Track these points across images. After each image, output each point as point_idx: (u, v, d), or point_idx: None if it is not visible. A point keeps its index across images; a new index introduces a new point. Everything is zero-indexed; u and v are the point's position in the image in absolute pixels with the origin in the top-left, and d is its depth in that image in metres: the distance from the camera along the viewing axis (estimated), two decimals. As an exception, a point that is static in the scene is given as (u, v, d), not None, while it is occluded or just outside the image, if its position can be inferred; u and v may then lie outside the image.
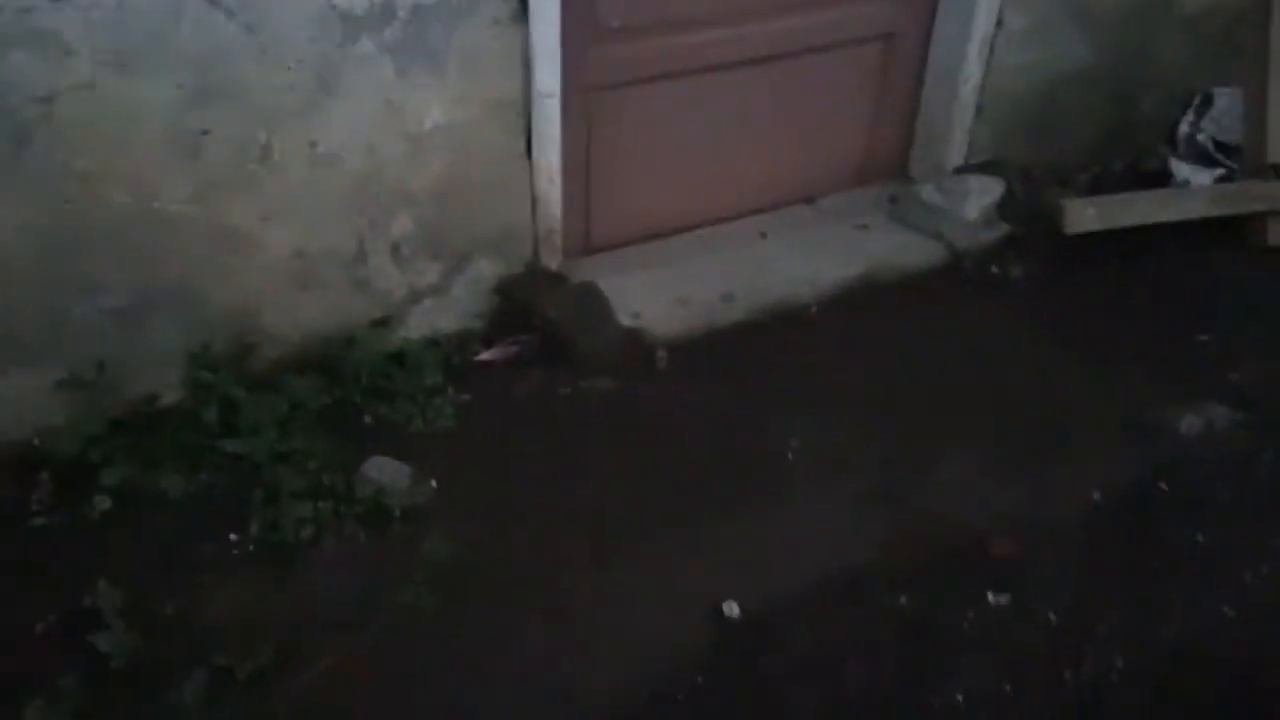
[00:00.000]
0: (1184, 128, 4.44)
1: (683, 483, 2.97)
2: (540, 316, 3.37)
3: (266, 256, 3.01)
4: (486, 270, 3.38)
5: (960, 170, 4.13)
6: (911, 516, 2.90)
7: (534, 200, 3.35)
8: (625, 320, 3.39)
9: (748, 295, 3.57)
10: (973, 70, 3.94)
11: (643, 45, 3.44)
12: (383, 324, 3.27)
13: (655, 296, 3.49)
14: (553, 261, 3.49)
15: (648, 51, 3.46)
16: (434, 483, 2.94)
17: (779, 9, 3.62)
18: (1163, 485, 3.03)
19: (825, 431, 3.15)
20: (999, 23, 3.86)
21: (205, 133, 2.77)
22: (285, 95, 2.82)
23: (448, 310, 3.38)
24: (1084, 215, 3.81)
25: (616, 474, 2.99)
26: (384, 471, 2.92)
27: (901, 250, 3.83)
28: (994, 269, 3.87)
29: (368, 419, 3.11)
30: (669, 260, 3.69)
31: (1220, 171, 4.25)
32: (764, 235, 3.90)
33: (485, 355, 3.33)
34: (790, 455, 3.09)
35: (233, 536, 2.76)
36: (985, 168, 4.13)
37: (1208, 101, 4.44)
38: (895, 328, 3.59)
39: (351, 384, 3.14)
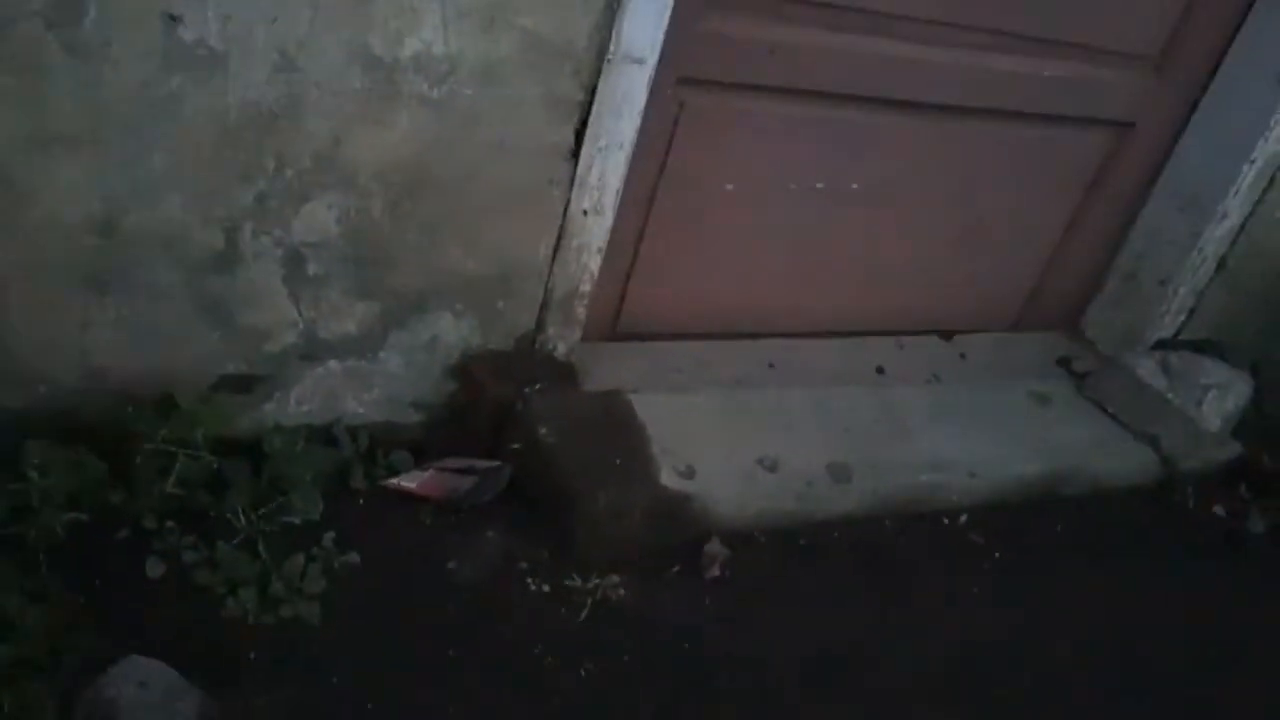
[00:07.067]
0: None
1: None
2: (524, 435, 1.90)
3: (35, 215, 1.53)
4: (448, 332, 1.92)
5: (1165, 345, 2.78)
6: None
7: (562, 232, 1.91)
8: (669, 476, 1.92)
9: (870, 473, 2.13)
10: (1235, 205, 2.61)
11: (790, 31, 2.04)
12: (240, 386, 1.78)
13: (726, 445, 2.03)
14: (564, 341, 2.05)
15: (794, 42, 2.06)
16: (237, 745, 1.44)
17: (1002, 43, 2.25)
18: None
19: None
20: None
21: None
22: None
23: (367, 386, 1.91)
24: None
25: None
26: (146, 693, 1.41)
27: (1098, 449, 2.44)
28: (1219, 510, 2.50)
29: (155, 567, 1.60)
30: (755, 381, 2.25)
31: None
32: (881, 371, 2.49)
33: (405, 482, 1.84)
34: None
35: None
36: (1204, 348, 2.79)
37: None
38: (1090, 578, 2.18)
39: (146, 490, 1.63)
